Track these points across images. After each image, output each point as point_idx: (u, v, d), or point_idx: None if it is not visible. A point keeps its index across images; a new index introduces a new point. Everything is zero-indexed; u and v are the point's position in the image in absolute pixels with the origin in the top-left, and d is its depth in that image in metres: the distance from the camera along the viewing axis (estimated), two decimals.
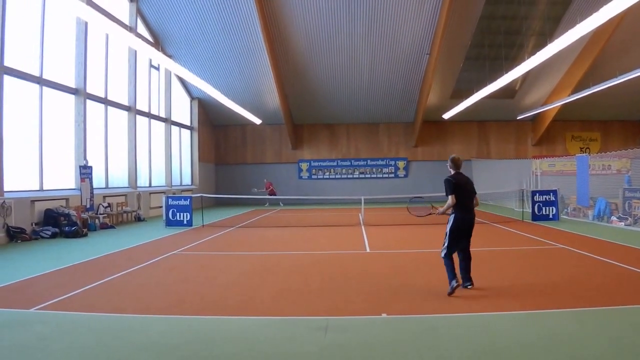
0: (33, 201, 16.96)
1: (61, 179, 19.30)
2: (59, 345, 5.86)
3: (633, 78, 21.16)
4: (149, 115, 26.60)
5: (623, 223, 17.71)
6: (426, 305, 7.51)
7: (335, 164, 36.70)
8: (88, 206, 19.37)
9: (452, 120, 33.55)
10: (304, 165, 36.73)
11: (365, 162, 36.63)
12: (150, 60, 26.50)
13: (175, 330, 6.43)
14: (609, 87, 23.56)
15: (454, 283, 7.91)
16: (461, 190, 8.29)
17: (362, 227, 19.02)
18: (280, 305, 7.66)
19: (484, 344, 5.75)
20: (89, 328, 6.53)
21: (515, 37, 27.03)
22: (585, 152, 34.22)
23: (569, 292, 8.11)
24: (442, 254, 8.35)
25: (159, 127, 28.21)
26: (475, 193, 8.55)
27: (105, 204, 20.98)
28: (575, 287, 8.52)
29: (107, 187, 22.36)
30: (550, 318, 6.70)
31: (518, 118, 33.76)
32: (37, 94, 17.76)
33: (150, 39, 25.94)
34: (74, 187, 19.63)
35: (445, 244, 8.37)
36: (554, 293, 8.07)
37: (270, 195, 32.29)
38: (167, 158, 29.01)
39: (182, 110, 31.84)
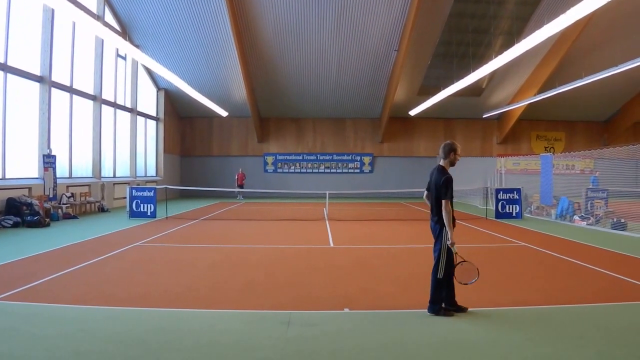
0: None
1: (24, 167, 19.03)
2: (22, 336, 5.85)
3: (598, 79, 21.71)
4: (114, 105, 26.31)
5: (585, 222, 18.13)
6: (389, 300, 7.64)
7: (301, 158, 36.77)
8: (51, 196, 19.13)
9: (419, 117, 33.96)
10: (270, 159, 36.70)
11: (331, 157, 36.79)
12: (117, 49, 26.20)
13: (140, 323, 6.46)
14: (574, 88, 24.13)
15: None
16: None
17: (327, 221, 19.16)
18: (244, 299, 7.74)
19: (445, 339, 5.90)
20: (52, 319, 6.52)
21: (483, 36, 27.48)
22: (550, 152, 34.92)
23: (529, 290, 8.31)
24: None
25: (124, 117, 27.90)
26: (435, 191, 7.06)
27: (69, 194, 20.73)
28: (536, 285, 8.72)
29: (70, 177, 22.09)
30: (510, 315, 6.87)
31: (484, 116, 34.34)
32: (1, 80, 17.47)
33: (117, 28, 25.61)
34: (36, 176, 19.37)
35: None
36: (515, 291, 8.29)
37: (239, 186, 32.35)
38: (132, 149, 28.75)
39: (148, 101, 31.53)
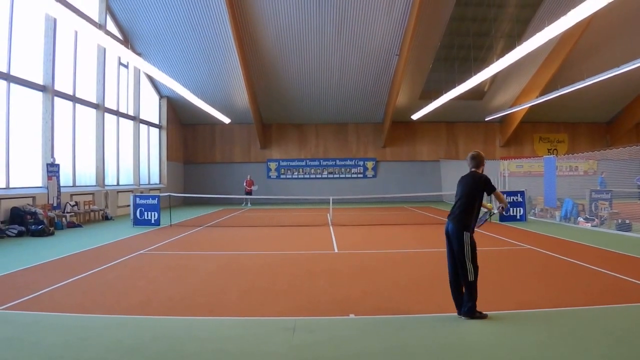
0: None
1: (28, 176, 19.08)
2: (25, 345, 5.83)
3: (600, 81, 21.65)
4: (117, 113, 26.38)
5: (590, 224, 17.98)
6: (394, 305, 7.57)
7: (304, 163, 36.77)
8: (55, 204, 19.17)
9: (421, 121, 33.94)
10: (273, 165, 36.74)
11: (334, 162, 36.77)
12: (120, 57, 26.29)
13: (142, 331, 6.44)
14: (576, 90, 24.10)
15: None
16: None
17: (331, 227, 19.11)
18: (248, 306, 7.69)
19: (450, 344, 5.86)
20: (55, 328, 6.51)
21: (485, 39, 27.51)
22: (553, 154, 34.84)
23: (534, 293, 8.20)
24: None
25: (127, 125, 27.99)
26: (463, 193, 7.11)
27: (73, 203, 20.77)
28: (541, 287, 8.62)
29: (74, 186, 22.14)
30: (515, 318, 6.79)
31: (486, 119, 34.32)
32: (4, 90, 17.55)
33: (119, 36, 25.73)
34: (40, 185, 19.41)
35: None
36: (519, 293, 8.19)
37: (247, 193, 32.34)
38: (135, 156, 28.80)
39: (151, 109, 31.62)
